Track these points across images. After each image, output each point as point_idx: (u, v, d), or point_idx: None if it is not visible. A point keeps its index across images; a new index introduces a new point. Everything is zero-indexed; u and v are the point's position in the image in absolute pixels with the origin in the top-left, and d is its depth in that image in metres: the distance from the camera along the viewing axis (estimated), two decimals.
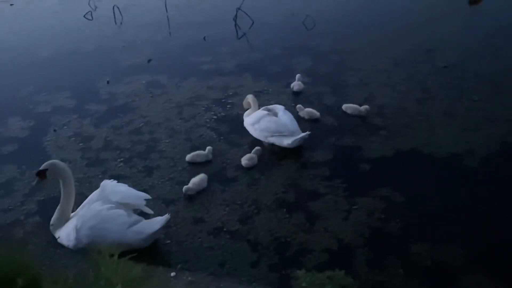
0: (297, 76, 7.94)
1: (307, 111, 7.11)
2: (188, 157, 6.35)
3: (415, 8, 11.07)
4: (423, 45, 9.24)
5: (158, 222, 4.90)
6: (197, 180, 5.85)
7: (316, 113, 7.11)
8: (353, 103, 7.30)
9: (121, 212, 4.79)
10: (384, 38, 9.60)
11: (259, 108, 6.72)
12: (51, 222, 5.09)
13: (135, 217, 4.90)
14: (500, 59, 8.62)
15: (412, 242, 4.99)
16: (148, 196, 5.11)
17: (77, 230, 4.79)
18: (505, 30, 9.58)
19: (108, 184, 5.04)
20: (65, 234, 4.92)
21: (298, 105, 7.22)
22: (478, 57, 8.71)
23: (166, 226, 5.06)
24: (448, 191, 5.70)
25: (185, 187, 5.77)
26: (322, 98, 7.57)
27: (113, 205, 4.82)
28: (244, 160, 6.21)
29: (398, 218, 5.30)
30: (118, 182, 5.21)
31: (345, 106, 7.20)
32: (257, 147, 6.38)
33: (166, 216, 4.94)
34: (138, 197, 5.04)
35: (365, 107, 7.07)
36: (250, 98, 6.90)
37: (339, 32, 10.03)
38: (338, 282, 3.93)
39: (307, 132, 6.37)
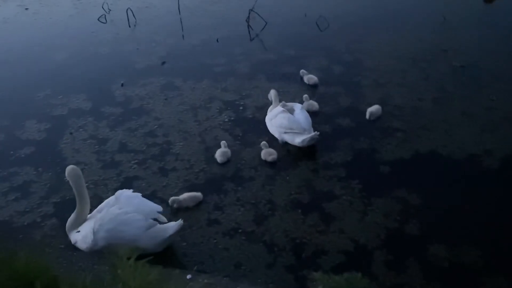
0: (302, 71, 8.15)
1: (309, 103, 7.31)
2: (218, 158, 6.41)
3: (429, 7, 10.97)
4: (438, 44, 9.15)
5: (171, 227, 4.92)
6: (187, 196, 5.72)
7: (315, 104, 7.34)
8: (369, 103, 7.26)
9: (138, 216, 4.81)
10: (399, 38, 9.52)
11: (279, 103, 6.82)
12: (67, 224, 5.12)
13: (151, 221, 4.90)
14: None
15: (430, 243, 4.95)
16: (160, 209, 5.09)
17: (95, 232, 4.81)
18: None
19: (123, 195, 5.06)
20: (81, 237, 4.94)
21: (305, 95, 7.40)
22: (495, 56, 8.60)
23: (181, 229, 5.05)
24: (467, 192, 5.64)
25: (172, 198, 5.68)
26: (337, 99, 7.53)
27: (130, 210, 4.85)
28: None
29: (415, 220, 5.26)
30: (133, 186, 5.22)
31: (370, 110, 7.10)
32: (263, 142, 6.43)
33: (179, 222, 4.95)
34: (151, 209, 5.03)
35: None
36: (272, 93, 7.05)
37: (353, 32, 9.96)
38: (356, 284, 3.89)
39: (316, 132, 6.37)
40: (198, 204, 5.68)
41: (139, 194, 5.16)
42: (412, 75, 8.17)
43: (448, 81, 7.90)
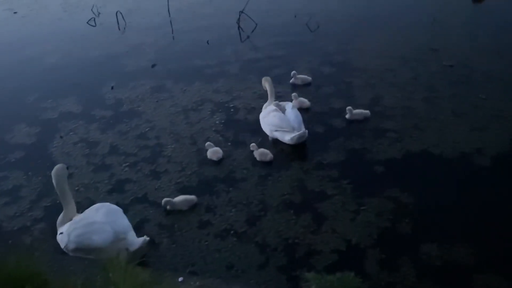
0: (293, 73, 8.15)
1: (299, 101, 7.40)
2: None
3: (419, 8, 11.03)
4: (428, 44, 9.19)
5: (135, 243, 4.83)
6: (182, 199, 5.67)
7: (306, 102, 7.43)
8: (360, 104, 7.29)
9: (107, 228, 4.79)
10: (389, 39, 9.55)
11: (275, 97, 6.93)
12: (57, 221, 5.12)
13: (117, 235, 4.82)
14: (506, 56, 8.56)
15: (422, 242, 4.95)
16: (130, 228, 4.98)
17: (67, 235, 4.84)
18: (510, 27, 9.52)
19: (104, 207, 5.02)
20: (60, 236, 4.95)
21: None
22: (484, 55, 8.65)
23: (171, 231, 5.02)
24: (458, 190, 5.65)
25: (165, 199, 5.65)
26: (328, 99, 7.53)
27: (104, 222, 4.83)
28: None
29: (408, 219, 5.25)
30: (124, 189, 5.16)
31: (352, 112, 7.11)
32: (252, 143, 6.45)
33: (143, 238, 4.86)
34: (123, 226, 4.93)
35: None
36: (265, 80, 7.05)
37: (343, 33, 10.00)
38: (348, 284, 3.89)
39: (305, 130, 6.45)
40: (190, 207, 5.65)
41: (120, 210, 5.12)
42: (402, 75, 8.20)
43: (438, 81, 7.93)
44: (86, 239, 4.76)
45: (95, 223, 4.83)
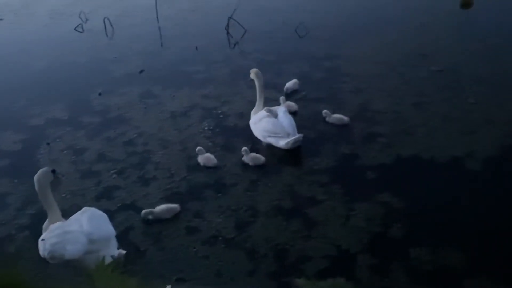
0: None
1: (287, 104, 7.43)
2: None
3: (407, 14, 11.08)
4: (417, 49, 9.23)
5: (112, 254, 4.75)
6: (164, 208, 5.56)
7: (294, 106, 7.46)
8: (349, 109, 7.29)
9: (82, 239, 4.66)
10: (378, 44, 9.57)
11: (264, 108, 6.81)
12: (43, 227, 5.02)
13: (91, 247, 4.71)
14: (494, 61, 8.61)
15: (413, 246, 4.91)
16: (113, 234, 4.91)
17: (43, 243, 4.74)
18: (498, 32, 9.59)
19: (88, 212, 4.92)
20: (41, 243, 4.83)
21: (282, 97, 7.59)
22: (473, 60, 8.70)
23: (158, 238, 4.96)
24: (448, 195, 5.63)
25: (144, 211, 5.54)
26: (318, 105, 7.49)
27: (81, 231, 4.73)
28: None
29: (398, 223, 5.22)
30: (112, 196, 5.07)
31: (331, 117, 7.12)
32: (244, 148, 6.38)
33: (119, 251, 4.81)
34: (105, 233, 4.84)
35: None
36: (253, 72, 6.95)
37: (332, 39, 10.00)
38: None
39: (300, 135, 6.42)
40: (176, 214, 5.56)
41: (105, 215, 5.03)
42: (391, 80, 8.20)
43: (427, 86, 7.94)
44: (60, 248, 4.62)
45: (71, 233, 4.70)
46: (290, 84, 8.04)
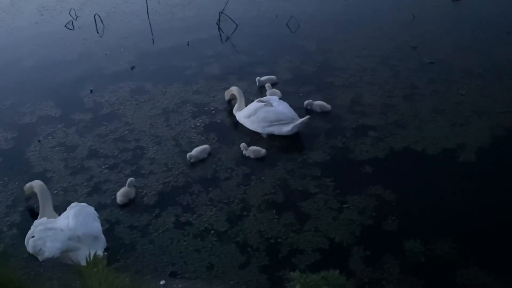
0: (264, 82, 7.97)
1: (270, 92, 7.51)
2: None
3: (398, 6, 11.06)
4: (408, 42, 9.23)
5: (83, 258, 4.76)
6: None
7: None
8: (341, 103, 7.30)
9: (61, 237, 4.67)
10: (369, 37, 9.56)
11: (246, 100, 6.88)
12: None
13: (68, 245, 4.71)
14: (484, 53, 8.65)
15: (405, 238, 4.94)
16: (98, 232, 4.91)
17: (27, 239, 4.77)
18: (488, 25, 9.60)
19: (76, 207, 4.92)
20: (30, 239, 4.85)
21: (267, 84, 7.69)
22: (463, 52, 8.73)
23: (147, 231, 4.98)
24: (440, 186, 5.66)
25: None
26: (309, 99, 7.46)
27: (62, 228, 4.72)
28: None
29: (391, 215, 5.25)
30: (104, 192, 5.08)
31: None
32: (242, 143, 6.39)
33: (99, 253, 4.76)
34: (90, 230, 4.84)
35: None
36: (234, 90, 7.07)
37: (323, 32, 9.98)
38: (333, 282, 3.83)
39: (307, 116, 6.50)
40: (170, 208, 5.57)
41: (93, 211, 5.02)
42: (382, 73, 8.20)
43: (418, 78, 7.96)
44: (40, 245, 4.64)
45: (51, 230, 4.70)
46: (265, 78, 7.99)
